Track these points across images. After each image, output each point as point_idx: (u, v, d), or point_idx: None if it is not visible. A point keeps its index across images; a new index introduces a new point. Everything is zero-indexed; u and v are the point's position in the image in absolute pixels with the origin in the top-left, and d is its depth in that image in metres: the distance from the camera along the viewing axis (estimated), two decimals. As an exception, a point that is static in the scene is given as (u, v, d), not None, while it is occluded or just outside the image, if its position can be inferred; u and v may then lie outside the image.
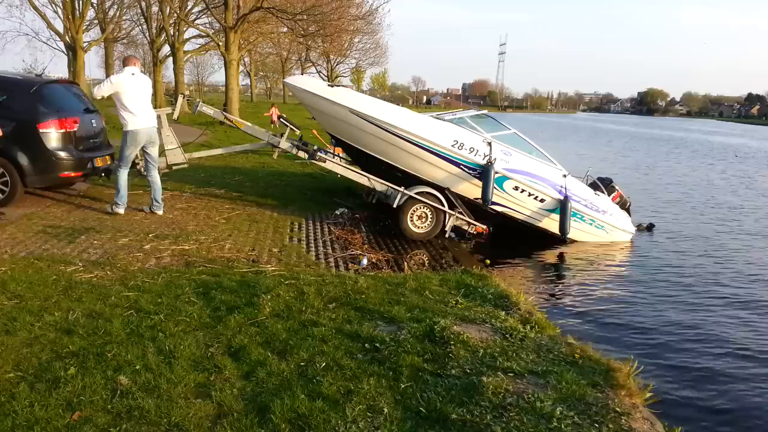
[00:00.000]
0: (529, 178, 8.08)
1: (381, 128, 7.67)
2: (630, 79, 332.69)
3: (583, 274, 7.80)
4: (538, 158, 8.38)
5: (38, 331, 3.78)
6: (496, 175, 7.72)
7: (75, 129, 7.67)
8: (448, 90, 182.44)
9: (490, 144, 7.86)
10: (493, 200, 7.70)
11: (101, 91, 7.05)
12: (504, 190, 8.00)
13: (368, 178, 8.05)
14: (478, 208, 8.13)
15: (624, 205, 9.44)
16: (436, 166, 7.83)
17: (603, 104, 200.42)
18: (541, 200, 8.18)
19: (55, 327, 3.86)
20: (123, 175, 7.33)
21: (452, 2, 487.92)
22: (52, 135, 7.41)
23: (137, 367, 3.36)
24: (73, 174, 7.74)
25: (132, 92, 7.01)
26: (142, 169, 8.20)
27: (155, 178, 7.47)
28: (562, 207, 8.10)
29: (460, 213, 8.09)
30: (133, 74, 7.09)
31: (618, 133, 54.42)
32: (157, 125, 7.30)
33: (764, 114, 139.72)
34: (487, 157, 7.75)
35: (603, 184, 9.26)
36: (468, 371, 3.55)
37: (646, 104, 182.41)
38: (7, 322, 3.88)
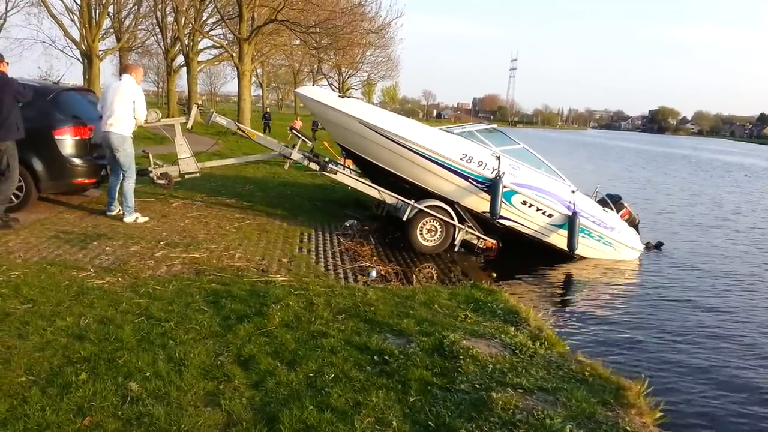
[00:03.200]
0: (538, 193, 8.07)
1: (390, 140, 7.70)
2: (641, 96, 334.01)
3: (591, 290, 7.76)
4: (546, 173, 8.37)
5: (50, 336, 3.81)
6: (505, 190, 7.72)
7: (90, 136, 7.75)
8: (458, 104, 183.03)
9: (498, 158, 7.86)
10: (501, 214, 7.70)
11: None
12: (512, 205, 7.99)
13: (378, 190, 8.08)
14: (486, 223, 8.12)
15: (633, 223, 9.39)
16: (444, 178, 7.84)
17: (614, 121, 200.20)
18: (549, 215, 8.16)
19: (66, 332, 3.89)
20: (110, 180, 7.62)
21: (464, 18, 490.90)
22: (67, 142, 7.49)
23: (147, 374, 3.38)
24: (86, 181, 7.82)
25: (103, 98, 7.30)
26: (155, 178, 8.29)
27: (123, 184, 7.41)
28: (570, 223, 8.08)
29: (470, 227, 8.08)
30: (119, 80, 7.31)
31: (629, 151, 54.30)
32: (114, 131, 7.11)
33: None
34: (496, 171, 7.75)
35: (612, 201, 9.22)
36: (477, 386, 3.54)
37: (657, 122, 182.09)
38: (20, 326, 3.91)
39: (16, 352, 3.55)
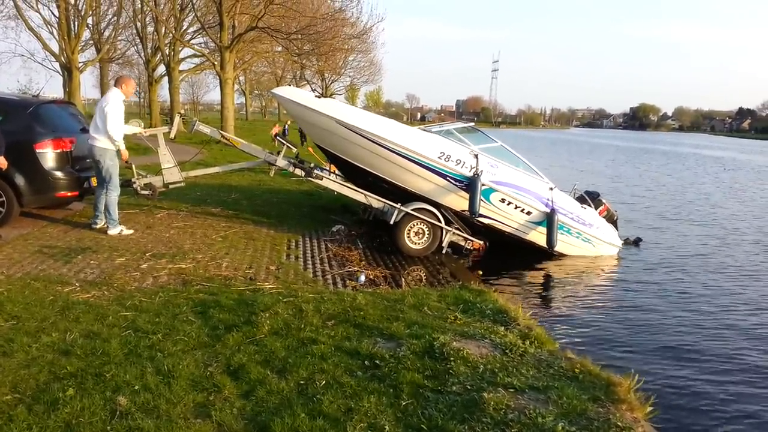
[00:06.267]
0: (516, 191, 8.10)
1: (367, 139, 7.67)
2: (622, 94, 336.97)
3: (576, 288, 7.80)
4: (524, 171, 8.39)
5: (36, 353, 3.75)
6: (483, 187, 7.73)
7: (71, 149, 7.68)
8: (442, 107, 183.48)
9: (476, 156, 7.88)
10: (480, 212, 7.73)
11: None
12: (491, 203, 8.01)
13: (365, 194, 8.06)
14: (467, 222, 8.14)
15: (611, 219, 9.46)
16: (423, 177, 7.84)
17: (596, 119, 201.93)
18: (528, 213, 8.19)
19: (52, 348, 3.84)
20: (96, 192, 7.56)
21: (445, 21, 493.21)
22: (48, 155, 7.42)
23: (136, 388, 3.34)
24: (69, 194, 7.73)
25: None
26: (139, 189, 8.22)
27: (106, 196, 7.31)
28: (548, 220, 8.12)
29: (457, 229, 8.10)
30: (107, 93, 7.26)
31: (610, 148, 54.78)
32: (95, 144, 7.08)
33: (755, 128, 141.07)
34: (474, 169, 7.77)
35: (590, 198, 9.29)
36: (469, 387, 3.54)
37: (638, 119, 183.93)
38: (4, 343, 3.86)
39: (1, 370, 3.49)
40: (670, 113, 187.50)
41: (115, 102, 7.10)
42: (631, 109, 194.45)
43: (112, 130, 7.03)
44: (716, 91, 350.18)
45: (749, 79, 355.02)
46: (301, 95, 8.15)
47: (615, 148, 54.28)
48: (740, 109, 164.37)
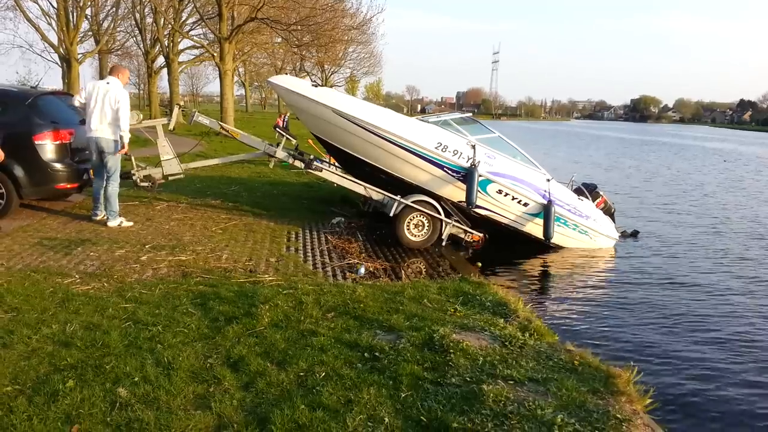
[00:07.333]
0: (513, 182, 8.08)
1: (364, 129, 7.63)
2: (623, 86, 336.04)
3: (575, 280, 7.80)
4: (522, 162, 8.37)
5: (36, 344, 3.76)
6: (480, 178, 7.72)
7: (70, 140, 7.66)
8: (442, 98, 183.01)
9: (474, 147, 7.85)
10: (477, 203, 7.72)
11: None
12: (488, 194, 7.99)
13: (364, 186, 8.04)
14: (465, 213, 8.14)
15: (608, 211, 9.44)
16: (420, 168, 7.82)
17: (596, 111, 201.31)
18: (525, 204, 8.18)
19: (52, 340, 3.84)
20: (95, 184, 7.52)
21: (445, 12, 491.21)
22: (47, 147, 7.40)
23: (136, 379, 3.35)
24: (68, 185, 7.72)
25: (90, 101, 7.08)
26: (139, 180, 8.21)
27: (107, 188, 7.29)
28: (545, 211, 8.10)
29: (457, 221, 8.09)
30: (108, 83, 7.12)
31: (611, 140, 54.68)
32: (104, 135, 7.06)
33: (756, 120, 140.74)
34: (471, 160, 7.76)
35: (588, 190, 9.26)
36: (468, 379, 3.55)
37: (639, 111, 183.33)
38: (4, 335, 3.86)
39: (1, 362, 3.50)
40: (670, 105, 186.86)
41: (125, 95, 7.14)
42: (631, 100, 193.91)
43: (125, 123, 7.08)
44: (717, 83, 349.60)
45: (750, 70, 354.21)
46: (298, 84, 8.09)
47: (615, 140, 54.17)
48: (741, 100, 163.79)
